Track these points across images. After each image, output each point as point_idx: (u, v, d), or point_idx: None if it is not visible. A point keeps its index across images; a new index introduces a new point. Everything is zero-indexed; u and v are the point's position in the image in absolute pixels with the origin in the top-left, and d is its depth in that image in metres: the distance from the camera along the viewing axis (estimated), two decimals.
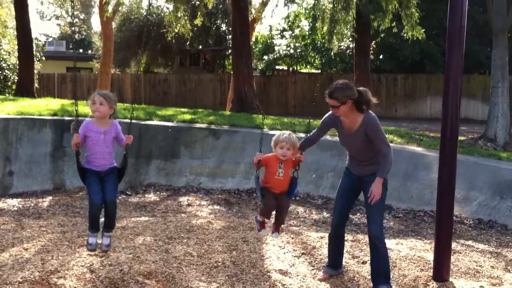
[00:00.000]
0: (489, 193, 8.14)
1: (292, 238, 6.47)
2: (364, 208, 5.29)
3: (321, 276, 5.30)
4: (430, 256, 5.76)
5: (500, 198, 7.99)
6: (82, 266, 5.23)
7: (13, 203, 8.52)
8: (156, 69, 37.26)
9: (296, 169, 5.07)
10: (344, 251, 5.86)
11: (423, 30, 18.01)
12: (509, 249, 6.49)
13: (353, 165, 5.05)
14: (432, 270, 5.30)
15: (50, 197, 8.92)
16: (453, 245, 5.90)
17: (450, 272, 5.31)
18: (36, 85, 21.20)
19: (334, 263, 5.36)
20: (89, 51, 44.49)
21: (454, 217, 7.13)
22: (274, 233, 5.19)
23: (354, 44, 21.48)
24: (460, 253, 6.13)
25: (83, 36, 54.02)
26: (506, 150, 11.75)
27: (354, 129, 4.86)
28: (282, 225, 5.35)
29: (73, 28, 52.26)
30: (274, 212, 5.12)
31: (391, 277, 5.28)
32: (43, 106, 12.18)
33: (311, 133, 5.28)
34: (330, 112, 5.00)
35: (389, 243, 6.46)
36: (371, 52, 20.55)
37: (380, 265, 4.92)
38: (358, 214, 8.13)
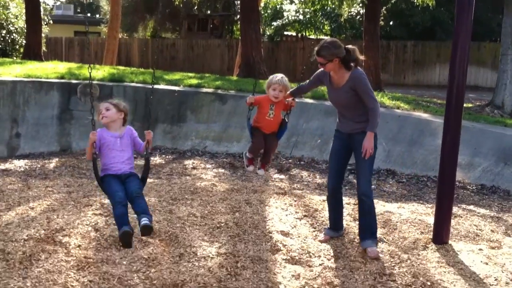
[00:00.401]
0: (493, 160, 8.15)
1: (295, 201, 6.54)
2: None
3: (322, 237, 5.38)
4: (431, 220, 5.81)
5: (504, 164, 7.99)
6: (87, 225, 5.33)
7: (20, 164, 8.63)
8: (164, 34, 37.06)
9: (287, 112, 5.28)
10: (346, 214, 5.95)
11: None
12: (510, 214, 6.53)
13: (343, 122, 5.17)
14: (432, 233, 5.36)
15: (57, 159, 9.02)
16: (455, 209, 5.95)
17: (450, 235, 5.38)
18: (43, 48, 21.16)
19: (335, 226, 5.44)
20: (97, 15, 44.23)
21: (457, 183, 7.22)
22: (260, 169, 5.45)
23: (364, 10, 21.21)
24: (461, 217, 6.18)
25: (91, 0, 53.63)
26: None
27: (341, 84, 5.02)
28: (268, 164, 5.60)
29: None
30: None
31: (390, 239, 5.37)
32: (50, 69, 12.21)
33: (303, 83, 5.47)
34: (321, 69, 5.19)
35: (391, 206, 6.53)
36: (381, 18, 20.27)
37: (367, 221, 5.06)
38: None
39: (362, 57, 5.06)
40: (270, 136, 5.26)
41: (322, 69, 5.15)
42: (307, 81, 5.44)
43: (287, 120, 5.30)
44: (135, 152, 4.81)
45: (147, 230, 4.31)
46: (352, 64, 4.96)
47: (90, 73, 4.85)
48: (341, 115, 5.20)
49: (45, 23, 24.30)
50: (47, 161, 8.83)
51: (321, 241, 5.32)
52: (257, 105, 5.23)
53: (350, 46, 4.98)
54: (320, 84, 5.38)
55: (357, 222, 5.73)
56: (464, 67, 5.21)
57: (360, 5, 22.77)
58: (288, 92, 5.26)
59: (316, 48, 4.98)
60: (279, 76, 5.19)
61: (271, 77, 5.22)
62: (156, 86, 11.07)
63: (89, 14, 46.68)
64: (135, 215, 4.46)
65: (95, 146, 4.54)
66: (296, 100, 10.50)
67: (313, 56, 5.01)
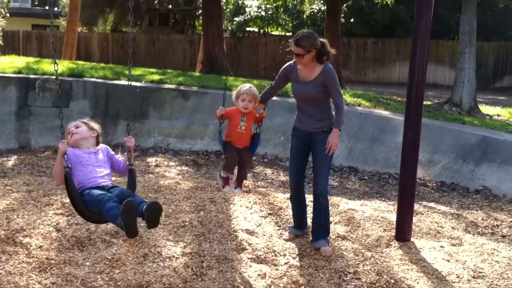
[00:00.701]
0: (453, 157, 8.32)
1: (259, 199, 6.55)
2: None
3: (287, 236, 5.40)
4: (393, 217, 5.89)
5: (463, 161, 8.18)
6: (48, 225, 5.23)
7: None
8: (124, 28, 36.54)
9: (259, 124, 5.08)
10: (309, 212, 5.97)
11: None
12: (470, 211, 6.68)
13: (303, 120, 5.11)
14: (394, 231, 5.45)
15: (15, 156, 8.80)
16: (416, 206, 6.05)
17: (412, 232, 5.47)
18: (0, 42, 20.60)
19: (299, 224, 5.46)
20: (55, 8, 43.27)
21: (417, 180, 7.34)
22: (237, 188, 5.13)
23: (325, 7, 21.36)
24: (422, 214, 6.29)
25: None
26: (470, 115, 11.98)
27: (311, 78, 4.97)
28: (245, 181, 5.45)
29: None
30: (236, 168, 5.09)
31: (354, 236, 5.43)
32: (7, 64, 11.88)
33: (270, 85, 5.30)
34: (286, 64, 5.14)
35: (354, 204, 6.60)
36: (342, 15, 20.45)
37: (322, 221, 5.10)
38: None
39: (333, 51, 5.01)
40: (243, 150, 4.99)
41: (288, 64, 5.11)
42: (272, 82, 5.30)
43: (259, 133, 5.07)
44: (113, 172, 4.26)
45: (156, 207, 3.68)
46: (324, 57, 4.93)
47: (56, 70, 4.32)
48: (301, 112, 5.14)
49: (1, 16, 23.65)
50: (5, 159, 8.60)
51: (286, 240, 5.34)
52: (227, 117, 4.98)
53: (322, 39, 4.96)
54: (287, 81, 5.27)
55: None
56: (424, 65, 5.31)
57: (322, 2, 22.95)
58: (257, 92, 5.06)
59: (294, 38, 4.88)
60: (247, 86, 4.97)
61: (239, 87, 5.01)
62: (117, 82, 10.91)
63: (46, 7, 45.69)
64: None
65: (66, 158, 3.88)
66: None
67: (289, 47, 4.92)
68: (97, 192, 3.82)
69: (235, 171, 5.05)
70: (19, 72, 10.69)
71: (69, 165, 3.90)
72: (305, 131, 5.10)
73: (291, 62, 5.12)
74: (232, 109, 5.01)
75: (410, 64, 5.34)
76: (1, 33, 23.12)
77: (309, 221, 5.64)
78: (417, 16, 5.26)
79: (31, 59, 14.62)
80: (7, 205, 5.75)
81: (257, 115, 5.05)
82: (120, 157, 4.41)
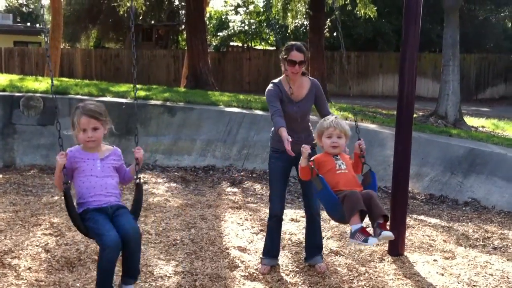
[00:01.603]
0: (440, 169, 8.35)
1: (250, 215, 6.50)
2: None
3: (264, 269, 4.91)
4: None
5: (451, 173, 8.20)
6: (36, 246, 5.14)
7: None
8: (107, 44, 36.47)
9: (362, 160, 4.19)
10: (302, 227, 5.95)
11: (375, 8, 18.22)
12: (460, 223, 6.69)
13: (294, 138, 4.36)
14: (387, 245, 5.43)
15: (0, 175, 8.66)
16: (407, 220, 6.04)
17: (405, 246, 5.45)
18: None
19: (276, 252, 5.06)
20: (37, 25, 43.10)
21: None
22: (384, 232, 3.74)
23: (308, 21, 21.49)
24: (414, 227, 6.29)
25: (30, 9, 52.27)
26: (456, 127, 12.06)
27: (303, 94, 4.81)
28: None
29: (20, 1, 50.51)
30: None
31: (347, 252, 5.40)
32: None
33: (275, 107, 4.63)
34: (271, 86, 4.78)
35: None
36: (326, 29, 20.59)
37: (317, 239, 5.03)
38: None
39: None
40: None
41: (272, 87, 4.75)
42: (275, 107, 4.65)
43: (370, 166, 4.24)
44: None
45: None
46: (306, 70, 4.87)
47: (52, 86, 4.00)
48: (292, 131, 4.48)
49: None
50: None
51: (262, 273, 4.84)
52: (317, 167, 3.97)
53: None
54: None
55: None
56: (413, 77, 5.34)
57: (305, 16, 23.08)
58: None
59: (295, 46, 4.64)
60: (331, 117, 4.13)
61: (320, 122, 4.18)
62: (102, 99, 10.82)
63: (28, 24, 45.49)
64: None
65: (65, 172, 3.54)
66: (246, 112, 10.48)
67: (283, 57, 4.67)
68: (102, 223, 3.50)
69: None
70: (3, 90, 10.56)
71: (69, 181, 3.56)
72: (296, 151, 4.29)
73: (275, 84, 4.80)
74: (319, 156, 4.11)
75: (399, 77, 5.36)
76: None
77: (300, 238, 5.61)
78: (405, 28, 5.28)
79: (14, 77, 14.47)
80: None
81: (355, 150, 4.21)
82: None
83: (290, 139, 4.20)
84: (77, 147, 3.76)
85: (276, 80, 4.90)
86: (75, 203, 3.64)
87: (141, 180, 3.84)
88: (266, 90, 4.83)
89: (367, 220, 4.01)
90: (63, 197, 3.59)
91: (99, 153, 3.76)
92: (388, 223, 3.94)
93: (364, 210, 3.79)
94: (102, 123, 3.74)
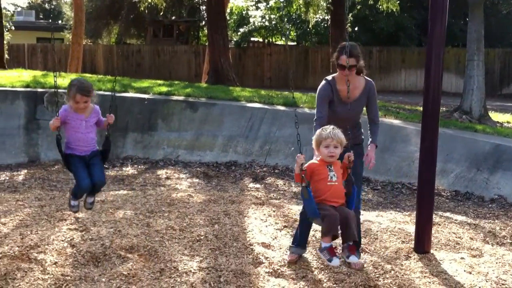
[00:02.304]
0: (466, 165, 8.24)
1: (274, 211, 6.47)
2: None
3: (291, 257, 4.98)
4: (411, 228, 5.82)
5: (477, 170, 8.09)
6: (62, 240, 5.16)
7: None
8: (129, 40, 36.66)
9: (348, 172, 4.23)
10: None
11: (398, 2, 18.03)
12: (486, 220, 6.59)
13: None
14: (413, 242, 5.36)
15: (25, 170, 8.76)
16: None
17: (431, 244, 5.38)
18: (6, 55, 20.66)
19: (305, 242, 5.08)
20: (60, 21, 43.50)
21: None
22: (351, 256, 4.09)
23: (329, 16, 21.36)
24: (439, 225, 6.21)
25: (52, 6, 52.78)
26: (481, 123, 11.91)
27: (356, 95, 4.76)
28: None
29: None
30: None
31: (372, 249, 5.35)
32: (15, 78, 11.90)
33: (320, 113, 4.73)
34: (323, 85, 4.82)
35: (370, 215, 6.52)
36: (348, 24, 20.47)
37: (357, 236, 4.89)
38: None
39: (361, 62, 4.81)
40: (340, 208, 4.09)
41: (324, 86, 4.75)
42: (319, 111, 4.74)
43: (353, 180, 4.22)
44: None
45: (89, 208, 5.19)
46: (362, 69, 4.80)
47: (55, 81, 4.97)
48: (340, 126, 4.39)
49: (6, 29, 23.73)
50: (16, 173, 8.56)
51: (289, 262, 4.92)
52: (310, 175, 4.11)
53: None
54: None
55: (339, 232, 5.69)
56: (440, 73, 5.23)
57: (326, 11, 22.95)
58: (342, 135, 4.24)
59: (344, 50, 4.54)
60: (329, 128, 4.19)
61: (318, 132, 4.24)
62: (125, 94, 10.89)
63: (51, 20, 45.89)
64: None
65: (58, 129, 4.68)
66: (268, 107, 10.47)
67: (335, 59, 4.61)
68: (80, 171, 4.78)
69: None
70: (27, 86, 10.69)
71: (60, 135, 4.73)
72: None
73: (327, 82, 4.80)
74: (313, 163, 4.20)
75: (425, 72, 5.27)
76: (7, 47, 23.15)
77: None
78: (431, 23, 5.19)
79: (38, 73, 14.64)
80: (20, 221, 5.69)
81: (343, 163, 4.23)
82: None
83: (301, 156, 4.14)
84: (68, 107, 4.78)
85: (329, 78, 4.83)
86: (63, 146, 4.84)
87: (110, 135, 5.00)
88: (319, 87, 4.83)
89: None
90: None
91: (85, 114, 4.82)
92: (359, 249, 4.43)
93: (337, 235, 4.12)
94: (91, 96, 4.79)
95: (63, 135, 4.84)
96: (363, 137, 5.01)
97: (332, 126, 4.22)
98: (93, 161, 4.89)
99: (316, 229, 5.74)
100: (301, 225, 5.06)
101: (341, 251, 4.22)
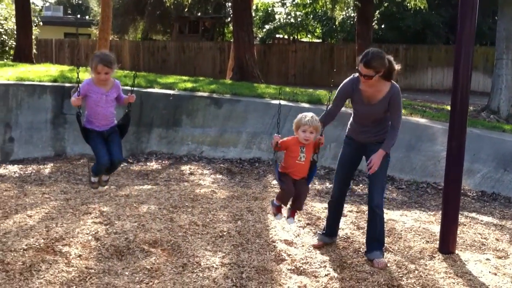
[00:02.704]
0: (493, 166, 8.12)
1: None
2: (367, 179, 5.28)
3: (316, 243, 5.32)
4: (435, 228, 5.76)
5: (504, 170, 7.96)
6: (87, 234, 5.22)
7: (14, 169, 8.48)
8: (154, 36, 36.89)
9: (316, 152, 4.79)
10: (349, 222, 5.91)
11: None
12: None
13: (360, 133, 4.97)
14: (437, 242, 5.30)
15: (52, 164, 8.88)
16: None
17: (456, 244, 5.31)
18: (34, 50, 20.94)
19: (331, 232, 5.36)
20: (87, 17, 43.97)
21: None
22: (289, 218, 4.95)
23: (356, 13, 21.23)
24: (465, 225, 6.12)
25: (80, 1, 53.37)
26: (509, 123, 11.72)
27: (378, 98, 4.79)
28: (300, 211, 5.28)
29: None
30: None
31: (396, 248, 5.30)
32: (42, 72, 12.05)
33: (331, 107, 5.00)
34: (346, 81, 4.91)
35: (394, 214, 6.46)
36: (375, 22, 20.31)
37: (377, 232, 4.98)
38: (360, 185, 8.11)
39: (397, 67, 4.83)
40: (300, 182, 4.77)
41: (347, 83, 4.88)
42: (331, 103, 5.02)
43: (316, 160, 4.83)
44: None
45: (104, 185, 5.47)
46: (392, 75, 4.77)
47: (78, 76, 5.01)
48: (359, 125, 4.96)
49: (34, 24, 24.05)
50: (42, 166, 8.68)
51: (314, 246, 5.25)
52: (285, 149, 4.72)
53: (389, 56, 4.76)
54: (347, 100, 5.02)
55: (361, 231, 5.68)
56: (469, 72, 5.17)
57: (352, 8, 22.82)
58: (319, 122, 4.70)
59: (364, 58, 4.61)
60: (309, 115, 4.65)
61: (299, 116, 4.70)
62: (150, 90, 10.95)
63: (78, 16, 46.41)
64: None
65: (78, 109, 4.84)
66: (292, 104, 10.41)
67: (357, 67, 4.68)
68: (99, 148, 4.98)
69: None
70: (54, 81, 10.81)
71: (80, 112, 4.87)
72: (359, 141, 4.99)
73: (351, 80, 4.88)
74: (289, 140, 4.73)
75: (454, 71, 5.20)
76: (35, 42, 23.47)
77: (349, 232, 5.55)
78: (461, 21, 5.12)
79: (65, 68, 14.81)
80: (45, 214, 5.77)
81: (314, 142, 4.72)
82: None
83: (277, 136, 4.68)
84: (89, 80, 4.91)
85: (356, 75, 4.84)
86: (84, 120, 4.99)
87: (130, 111, 5.19)
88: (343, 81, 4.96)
89: None
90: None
91: (105, 88, 4.92)
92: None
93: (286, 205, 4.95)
94: (112, 68, 4.88)
95: (83, 110, 4.98)
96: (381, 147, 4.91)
97: (311, 114, 4.69)
98: (111, 138, 5.07)
99: (339, 227, 5.71)
100: (328, 212, 5.36)
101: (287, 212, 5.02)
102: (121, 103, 5.13)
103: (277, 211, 4.91)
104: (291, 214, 4.96)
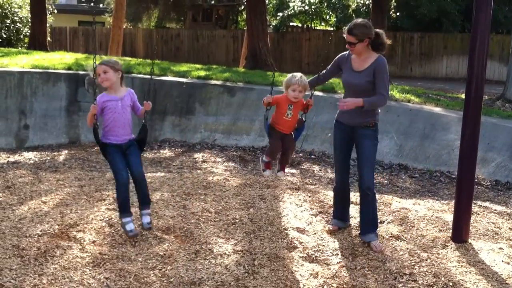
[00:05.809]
0: (507, 155, 8.06)
1: (309, 197, 6.45)
2: (355, 161, 5.30)
3: (331, 228, 5.37)
4: (448, 217, 5.73)
5: None
6: (101, 220, 5.27)
7: (29, 156, 8.57)
8: (168, 24, 36.87)
9: (305, 112, 5.24)
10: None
11: None
12: None
13: (348, 113, 4.94)
14: (450, 231, 5.28)
15: (66, 151, 8.96)
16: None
17: (469, 233, 5.29)
18: (48, 38, 21.04)
19: (343, 216, 5.42)
20: (101, 5, 44.01)
21: None
22: (279, 172, 5.40)
23: (371, 1, 21.03)
24: (478, 214, 6.09)
25: None
26: None
27: (364, 66, 4.92)
28: (287, 165, 5.58)
29: None
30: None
31: (408, 237, 5.29)
32: (57, 60, 12.11)
33: (322, 72, 5.34)
34: (341, 54, 5.15)
35: (406, 203, 6.44)
36: (392, 10, 20.11)
37: (370, 214, 5.04)
38: None
39: (388, 42, 5.01)
40: (288, 136, 5.26)
41: (343, 53, 5.10)
42: (324, 71, 5.35)
43: (304, 120, 5.27)
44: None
45: (149, 228, 4.97)
46: (380, 47, 4.91)
47: (94, 62, 4.86)
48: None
49: (49, 12, 24.15)
50: (57, 154, 8.76)
51: (330, 231, 5.31)
52: (274, 104, 5.18)
53: (378, 30, 4.93)
54: (339, 70, 5.21)
55: None
56: (484, 61, 5.10)
57: None
58: (307, 82, 5.17)
59: (347, 27, 4.87)
60: (298, 75, 5.11)
61: (289, 76, 5.15)
62: (164, 78, 10.98)
63: (92, 4, 46.45)
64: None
65: (95, 118, 4.78)
66: (306, 92, 10.38)
67: (343, 34, 4.90)
68: (117, 162, 4.82)
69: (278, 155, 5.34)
70: (69, 69, 10.88)
71: (97, 123, 4.81)
72: (348, 125, 5.04)
73: (346, 52, 5.10)
74: (280, 97, 5.18)
75: (469, 59, 5.14)
76: (49, 30, 23.57)
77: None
78: (476, 8, 5.06)
79: (80, 55, 14.87)
80: (60, 200, 5.83)
81: (304, 103, 5.18)
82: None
83: (270, 96, 5.16)
84: (103, 94, 4.88)
85: None
86: (100, 134, 4.90)
87: (146, 123, 5.07)
88: None
89: None
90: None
91: (118, 95, 4.87)
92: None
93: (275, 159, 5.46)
94: (111, 67, 4.80)
95: (101, 124, 4.90)
96: (375, 121, 4.95)
97: (300, 74, 5.13)
98: (130, 151, 4.92)
99: (350, 216, 5.70)
100: (334, 197, 5.47)
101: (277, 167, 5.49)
102: (139, 115, 5.01)
103: (266, 167, 5.38)
104: (281, 168, 5.41)
